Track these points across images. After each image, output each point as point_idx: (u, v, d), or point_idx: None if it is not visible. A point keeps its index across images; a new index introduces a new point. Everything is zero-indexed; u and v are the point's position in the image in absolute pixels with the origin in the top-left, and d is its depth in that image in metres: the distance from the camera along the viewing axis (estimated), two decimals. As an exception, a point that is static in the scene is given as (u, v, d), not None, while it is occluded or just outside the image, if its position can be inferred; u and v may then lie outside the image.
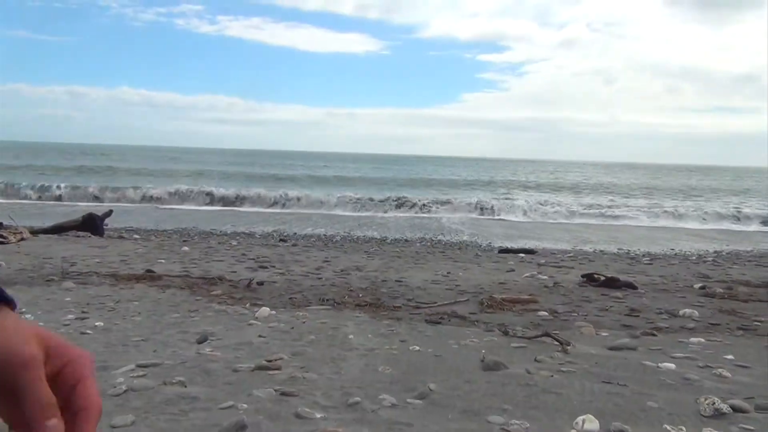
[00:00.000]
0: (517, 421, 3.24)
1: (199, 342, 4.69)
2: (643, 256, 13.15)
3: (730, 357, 4.84)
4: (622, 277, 8.62)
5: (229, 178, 36.38)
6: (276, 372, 3.96)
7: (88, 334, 4.89)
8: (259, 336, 4.94)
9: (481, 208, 24.58)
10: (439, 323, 5.77)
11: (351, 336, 5.06)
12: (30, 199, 24.18)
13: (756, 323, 6.24)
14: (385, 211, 23.58)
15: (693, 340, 5.44)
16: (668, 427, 3.22)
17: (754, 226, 21.90)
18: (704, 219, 23.07)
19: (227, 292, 7.03)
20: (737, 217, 23.07)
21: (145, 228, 15.95)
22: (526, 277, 8.97)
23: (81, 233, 12.99)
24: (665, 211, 24.62)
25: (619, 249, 14.69)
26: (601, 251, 14.05)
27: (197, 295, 6.79)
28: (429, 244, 15.05)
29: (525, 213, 23.39)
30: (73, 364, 0.60)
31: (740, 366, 4.58)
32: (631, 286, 8.21)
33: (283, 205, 24.07)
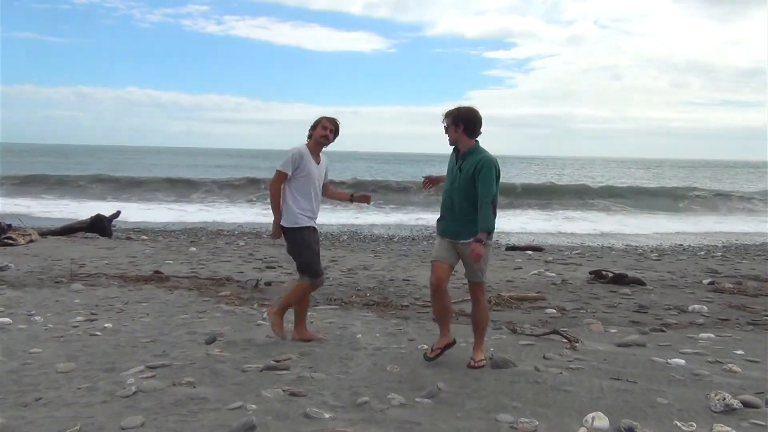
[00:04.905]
0: (526, 419, 3.23)
1: (208, 343, 4.70)
2: (651, 251, 13.09)
3: (740, 352, 4.82)
4: (630, 274, 8.59)
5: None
6: (284, 372, 3.96)
7: (97, 335, 4.91)
8: (267, 336, 4.95)
9: None
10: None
11: (359, 335, 5.07)
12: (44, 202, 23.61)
13: (766, 318, 6.21)
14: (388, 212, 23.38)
15: (702, 335, 5.42)
16: (678, 423, 3.20)
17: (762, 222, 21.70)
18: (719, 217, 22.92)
19: (235, 292, 7.05)
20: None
21: (152, 229, 16.01)
22: (534, 274, 8.95)
23: (89, 234, 13.06)
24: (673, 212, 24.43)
25: (626, 245, 14.63)
26: (608, 247, 14.00)
27: (205, 296, 6.82)
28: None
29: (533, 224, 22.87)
30: None
31: (750, 361, 4.56)
32: (639, 282, 8.18)
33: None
